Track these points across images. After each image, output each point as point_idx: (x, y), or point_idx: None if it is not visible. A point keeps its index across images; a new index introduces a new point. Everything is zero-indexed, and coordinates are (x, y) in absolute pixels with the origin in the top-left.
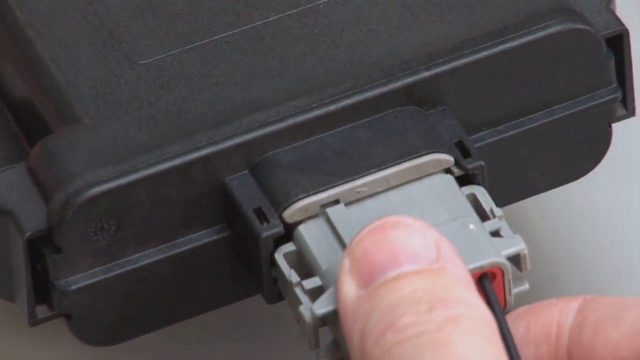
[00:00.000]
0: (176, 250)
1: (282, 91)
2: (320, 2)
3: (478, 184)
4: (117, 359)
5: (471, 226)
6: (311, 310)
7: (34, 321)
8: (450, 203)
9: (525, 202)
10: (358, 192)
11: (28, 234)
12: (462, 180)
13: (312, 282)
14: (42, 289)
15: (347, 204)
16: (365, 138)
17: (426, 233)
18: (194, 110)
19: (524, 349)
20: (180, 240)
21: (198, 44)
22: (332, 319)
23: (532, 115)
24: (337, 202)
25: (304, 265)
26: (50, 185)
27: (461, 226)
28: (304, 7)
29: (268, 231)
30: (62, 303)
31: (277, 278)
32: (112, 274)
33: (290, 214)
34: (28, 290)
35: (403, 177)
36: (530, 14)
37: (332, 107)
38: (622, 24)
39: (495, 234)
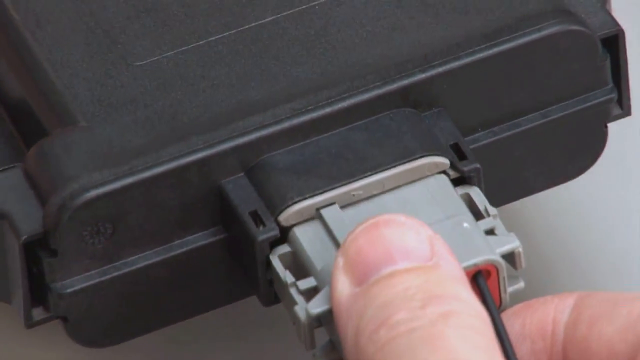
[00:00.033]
0: (172, 253)
1: (278, 93)
2: (316, 3)
3: (474, 185)
4: (113, 359)
5: (465, 224)
6: (306, 310)
7: (30, 323)
8: (445, 202)
9: (520, 201)
10: (354, 195)
11: (24, 237)
12: (458, 181)
13: (307, 283)
14: (38, 291)
15: (343, 206)
16: (361, 140)
17: (420, 230)
18: (189, 112)
19: (519, 345)
20: (176, 242)
21: (194, 45)
22: (327, 319)
23: (528, 116)
24: (332, 203)
25: (299, 266)
26: (46, 188)
27: (455, 224)
28: (300, 9)
29: (264, 234)
30: (58, 306)
31: (273, 280)
32: (108, 276)
33: (285, 217)
34: (24, 293)
35: (399, 180)
36: (526, 15)
37: (328, 110)
38: (617, 25)
39: (490, 232)
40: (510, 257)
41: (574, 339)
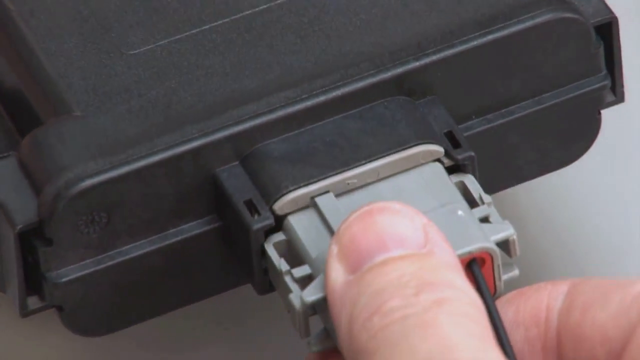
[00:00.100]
0: (167, 242)
1: (272, 82)
2: None
3: (468, 173)
4: (109, 347)
5: (460, 212)
6: (301, 298)
7: (25, 312)
8: (439, 190)
9: (514, 188)
10: (348, 183)
11: (19, 226)
12: (452, 169)
13: (301, 271)
14: (33, 281)
15: (337, 194)
16: (355, 129)
17: (414, 218)
18: (184, 101)
19: (513, 333)
20: (171, 231)
21: (188, 33)
22: (322, 307)
23: (522, 104)
24: (327, 192)
25: (294, 255)
26: (41, 177)
27: (450, 212)
28: None
29: (259, 223)
30: (54, 295)
31: (268, 268)
32: (103, 265)
33: (280, 206)
34: (19, 282)
35: (393, 168)
36: (520, 3)
37: (322, 98)
38: (611, 12)
39: (484, 220)
40: (504, 245)
41: (567, 325)
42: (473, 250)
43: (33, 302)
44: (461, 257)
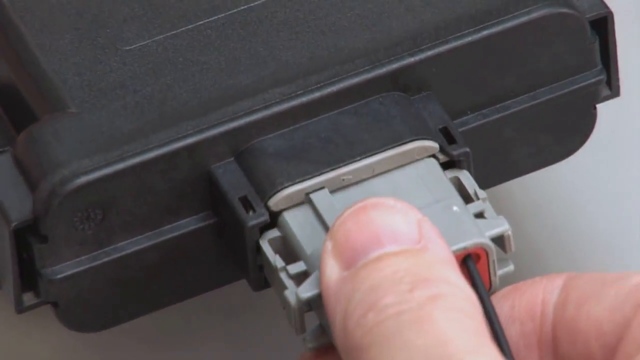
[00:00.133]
0: (162, 238)
1: (267, 78)
2: None
3: (463, 169)
4: (104, 343)
5: (455, 208)
6: (296, 294)
7: (20, 308)
8: (434, 186)
9: (509, 183)
10: (343, 179)
11: (14, 223)
12: (447, 165)
13: (297, 267)
14: (28, 277)
15: (332, 190)
16: (350, 125)
17: (408, 213)
18: (179, 97)
19: (509, 327)
20: (166, 227)
21: (183, 29)
22: (317, 303)
23: (517, 99)
24: (322, 188)
25: (289, 251)
26: (36, 174)
27: (444, 208)
28: None
29: (254, 220)
30: (49, 291)
31: (263, 265)
32: (98, 262)
33: (275, 202)
34: (15, 279)
35: (388, 164)
36: None
37: (317, 94)
38: (606, 7)
39: (479, 215)
40: (499, 241)
41: (562, 320)
42: (468, 246)
43: (29, 298)
44: (456, 253)
